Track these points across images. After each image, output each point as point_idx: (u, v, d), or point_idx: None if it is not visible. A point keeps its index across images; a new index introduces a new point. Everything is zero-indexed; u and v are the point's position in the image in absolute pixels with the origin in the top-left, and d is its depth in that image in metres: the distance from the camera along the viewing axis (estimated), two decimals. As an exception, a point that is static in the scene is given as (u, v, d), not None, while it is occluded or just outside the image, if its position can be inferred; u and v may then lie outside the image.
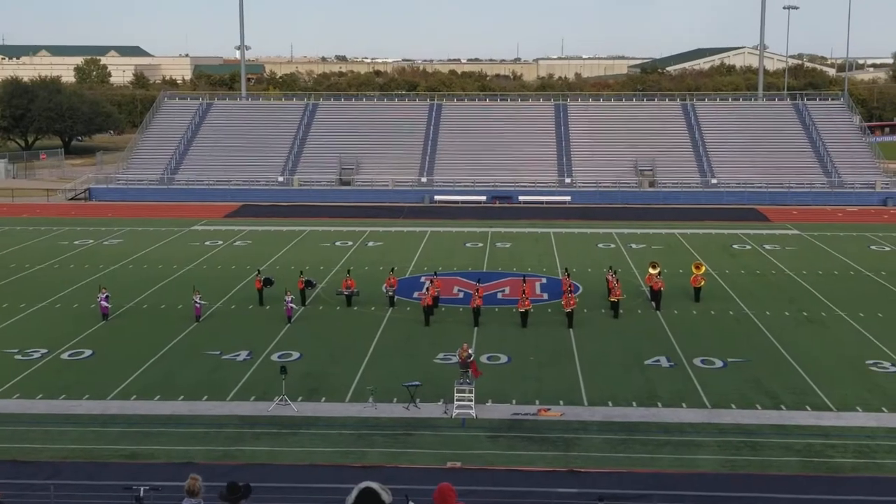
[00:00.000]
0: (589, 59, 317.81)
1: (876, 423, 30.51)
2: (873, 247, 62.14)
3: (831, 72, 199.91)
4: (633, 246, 62.48)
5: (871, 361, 37.10)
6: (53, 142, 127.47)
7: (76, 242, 63.71)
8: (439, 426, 30.31)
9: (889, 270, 54.15)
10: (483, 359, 36.85)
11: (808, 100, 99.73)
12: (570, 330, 41.54)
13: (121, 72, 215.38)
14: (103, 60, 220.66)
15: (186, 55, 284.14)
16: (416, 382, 32.70)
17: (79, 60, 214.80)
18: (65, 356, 38.18)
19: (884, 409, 31.81)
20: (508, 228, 69.90)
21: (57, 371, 36.30)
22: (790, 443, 28.86)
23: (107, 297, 43.80)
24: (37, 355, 38.10)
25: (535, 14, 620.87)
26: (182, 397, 33.08)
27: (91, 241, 64.45)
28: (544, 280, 52.15)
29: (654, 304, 45.86)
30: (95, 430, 30.07)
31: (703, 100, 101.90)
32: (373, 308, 45.53)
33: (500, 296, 48.31)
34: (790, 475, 26.61)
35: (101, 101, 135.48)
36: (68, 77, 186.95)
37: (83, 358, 37.99)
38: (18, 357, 37.90)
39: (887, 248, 61.46)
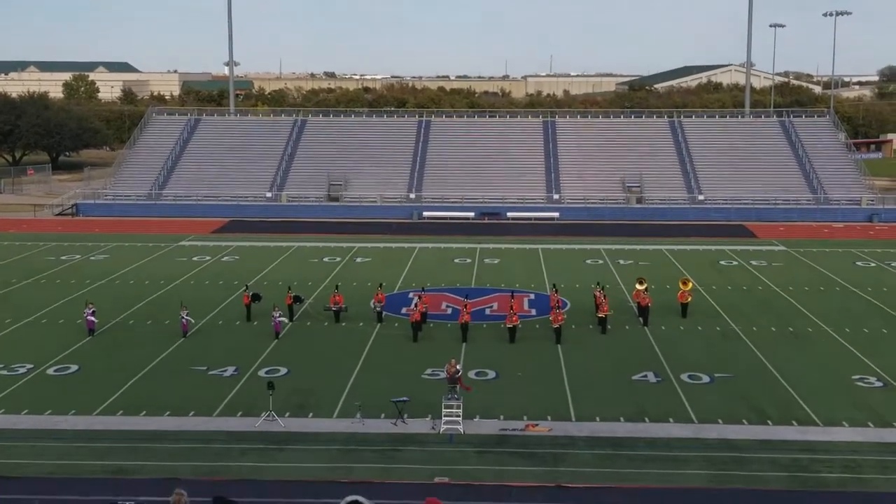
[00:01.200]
0: (577, 76, 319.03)
1: (862, 438, 30.59)
2: (859, 263, 62.39)
3: (817, 89, 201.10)
4: (621, 262, 62.61)
5: (856, 376, 37.21)
6: (41, 157, 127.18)
7: (63, 258, 63.55)
8: (427, 442, 30.28)
9: (874, 286, 54.39)
10: (471, 374, 36.84)
11: (794, 117, 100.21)
12: (558, 346, 41.57)
13: (109, 88, 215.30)
14: (91, 76, 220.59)
15: (175, 71, 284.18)
16: (404, 398, 32.64)
17: (67, 76, 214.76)
18: (50, 371, 38.04)
19: (870, 423, 31.91)
20: (496, 244, 69.95)
21: (42, 386, 36.13)
22: (777, 458, 28.91)
23: (93, 312, 43.68)
24: (22, 370, 37.95)
25: (524, 32, 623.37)
26: (168, 413, 32.98)
27: (78, 256, 64.31)
28: (532, 296, 52.20)
29: (641, 319, 45.94)
30: (81, 446, 29.92)
31: (691, 117, 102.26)
32: (361, 324, 45.50)
33: (488, 312, 48.32)
34: (777, 490, 26.66)
35: (88, 117, 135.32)
36: (56, 93, 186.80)
37: (69, 373, 37.86)
38: (4, 372, 37.70)
39: (873, 264, 61.71)
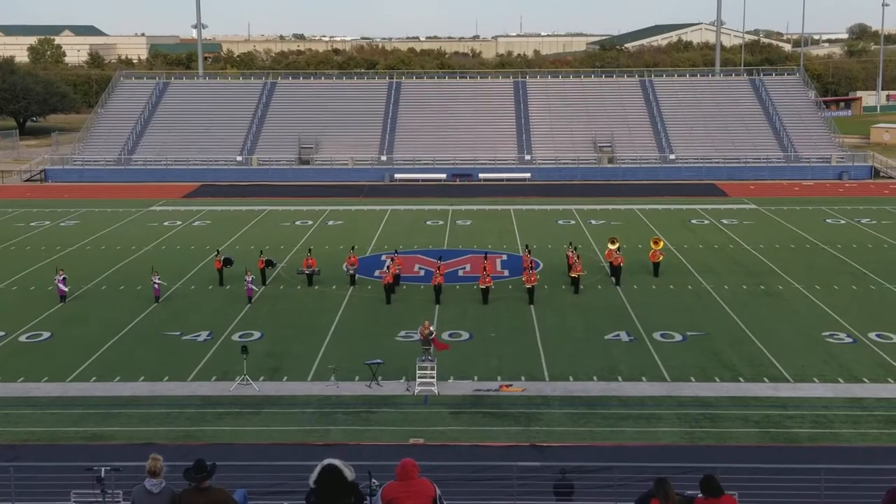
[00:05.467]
0: (548, 36, 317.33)
1: (832, 394, 30.97)
2: (829, 220, 62.83)
3: (787, 47, 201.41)
4: (593, 222, 62.77)
5: (826, 333, 37.60)
6: (8, 123, 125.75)
7: (32, 224, 63.02)
8: (402, 403, 30.41)
9: (844, 243, 54.83)
10: (444, 336, 36.92)
11: (764, 75, 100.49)
12: (531, 306, 41.72)
13: (75, 51, 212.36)
14: (57, 40, 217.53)
15: (142, 34, 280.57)
16: (378, 360, 32.73)
17: (32, 40, 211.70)
18: (23, 339, 37.84)
19: (840, 379, 32.30)
20: (469, 206, 69.94)
21: (15, 354, 35.97)
22: (748, 414, 29.25)
23: (64, 279, 43.38)
24: (-6, 338, 37.75)
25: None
26: (143, 378, 32.92)
27: (48, 222, 63.79)
28: (505, 257, 52.30)
29: (613, 279, 46.16)
30: (55, 413, 29.87)
31: (661, 76, 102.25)
32: (334, 287, 45.48)
33: (461, 273, 48.40)
34: (748, 446, 26.99)
35: (55, 82, 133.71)
36: (22, 57, 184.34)
37: (41, 340, 37.68)
38: (-25, 340, 37.52)
39: (842, 222, 62.17)
